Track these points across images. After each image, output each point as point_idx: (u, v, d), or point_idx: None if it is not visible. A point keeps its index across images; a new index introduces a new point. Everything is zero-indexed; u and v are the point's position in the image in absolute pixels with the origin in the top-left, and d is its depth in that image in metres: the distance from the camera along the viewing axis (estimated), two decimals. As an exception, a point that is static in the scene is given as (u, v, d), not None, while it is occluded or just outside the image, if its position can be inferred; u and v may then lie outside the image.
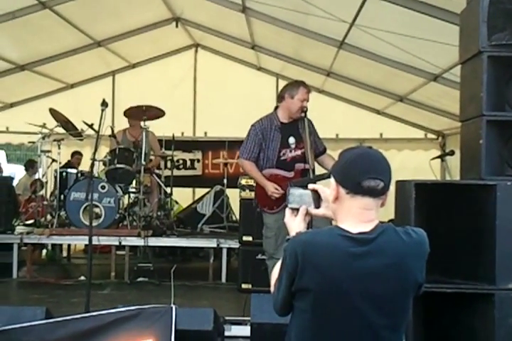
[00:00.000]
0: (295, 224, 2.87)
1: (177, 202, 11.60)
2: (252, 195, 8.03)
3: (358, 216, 2.63)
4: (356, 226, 2.62)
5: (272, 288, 2.80)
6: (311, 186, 2.93)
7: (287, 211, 2.92)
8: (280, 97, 6.65)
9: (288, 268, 2.62)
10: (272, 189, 6.39)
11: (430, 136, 12.38)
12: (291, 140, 6.48)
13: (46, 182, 9.61)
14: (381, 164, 2.66)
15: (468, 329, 4.05)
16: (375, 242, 2.58)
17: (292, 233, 2.85)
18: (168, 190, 10.28)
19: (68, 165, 10.89)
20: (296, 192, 2.89)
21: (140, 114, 9.07)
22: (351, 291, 2.56)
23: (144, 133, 9.01)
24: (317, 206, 2.90)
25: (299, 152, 6.46)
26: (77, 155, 11.80)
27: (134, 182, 9.28)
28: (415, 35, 7.07)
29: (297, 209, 2.88)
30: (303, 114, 6.47)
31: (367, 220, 2.63)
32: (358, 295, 2.56)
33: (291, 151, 6.43)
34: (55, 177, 9.35)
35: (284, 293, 2.68)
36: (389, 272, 2.58)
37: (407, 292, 2.65)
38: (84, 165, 10.71)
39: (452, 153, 8.29)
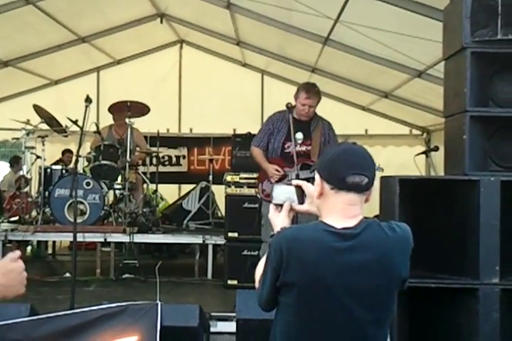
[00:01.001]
0: (279, 220, 2.88)
1: (162, 198, 11.58)
2: (238, 191, 8.08)
3: (343, 211, 2.65)
4: (341, 222, 2.63)
5: (257, 284, 2.80)
6: (294, 182, 2.94)
7: (271, 207, 2.93)
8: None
9: (273, 263, 2.63)
10: (273, 170, 6.58)
11: (415, 132, 12.42)
12: (299, 135, 6.60)
13: (31, 179, 9.56)
14: (365, 160, 2.68)
15: (453, 324, 4.07)
16: (360, 237, 2.60)
17: (276, 229, 2.86)
18: (154, 186, 10.27)
19: (59, 163, 10.83)
20: (279, 188, 2.91)
21: (124, 109, 9.06)
22: (335, 286, 2.57)
23: (128, 130, 8.99)
24: (301, 202, 2.91)
25: (304, 148, 6.61)
26: (67, 153, 11.64)
27: (119, 178, 9.26)
28: (400, 31, 7.09)
29: (281, 205, 2.90)
30: (305, 117, 6.65)
31: (351, 216, 2.64)
32: (342, 290, 2.57)
33: (296, 146, 6.48)
34: (40, 174, 9.31)
35: (268, 288, 2.69)
36: (373, 267, 2.59)
37: (392, 287, 2.67)
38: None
39: (436, 148, 8.33)
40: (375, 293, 2.61)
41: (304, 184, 2.92)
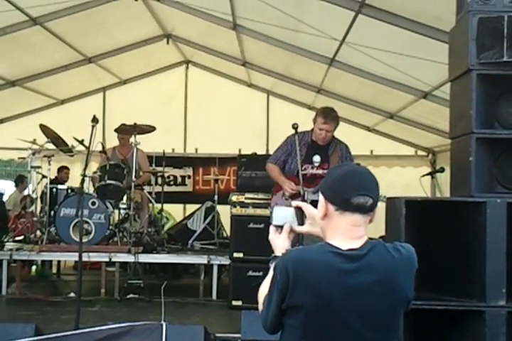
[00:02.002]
0: (279, 242, 2.88)
1: (168, 218, 11.59)
2: (243, 211, 8.08)
3: (348, 232, 2.63)
4: (346, 243, 2.62)
5: (261, 306, 2.79)
6: (294, 203, 2.94)
7: (271, 228, 2.92)
8: None
9: (279, 286, 2.61)
10: (289, 185, 6.62)
11: (420, 152, 12.42)
12: (316, 158, 6.71)
13: (36, 198, 9.57)
14: (369, 181, 2.67)
15: (459, 346, 4.05)
16: (366, 258, 2.59)
17: (277, 250, 2.86)
18: (159, 206, 10.27)
19: (56, 180, 10.85)
20: (279, 210, 2.90)
21: (130, 131, 9.08)
22: (343, 307, 2.56)
23: (134, 150, 9.02)
24: (300, 223, 2.91)
25: (320, 171, 6.65)
26: (64, 170, 11.71)
27: (124, 198, 9.27)
28: (405, 52, 7.12)
29: (281, 227, 2.89)
30: (322, 141, 6.74)
31: (356, 237, 2.63)
32: (350, 312, 2.56)
33: (312, 168, 6.63)
34: (45, 193, 9.32)
35: (274, 311, 2.67)
36: (379, 288, 2.58)
37: (398, 308, 2.65)
38: (74, 181, 10.67)
39: (442, 170, 8.33)
40: (382, 314, 2.60)
41: (304, 205, 2.93)
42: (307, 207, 2.91)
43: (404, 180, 11.34)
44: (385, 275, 2.59)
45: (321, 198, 2.72)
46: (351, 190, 2.61)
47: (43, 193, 9.39)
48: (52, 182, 9.87)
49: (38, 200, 9.79)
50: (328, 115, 6.72)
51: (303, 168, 6.61)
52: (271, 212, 2.92)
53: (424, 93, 8.51)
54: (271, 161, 6.97)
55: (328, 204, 2.67)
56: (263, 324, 2.76)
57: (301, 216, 2.90)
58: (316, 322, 2.58)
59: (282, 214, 2.89)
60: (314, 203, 2.82)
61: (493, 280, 3.93)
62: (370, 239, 2.67)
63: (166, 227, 11.11)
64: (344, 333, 2.57)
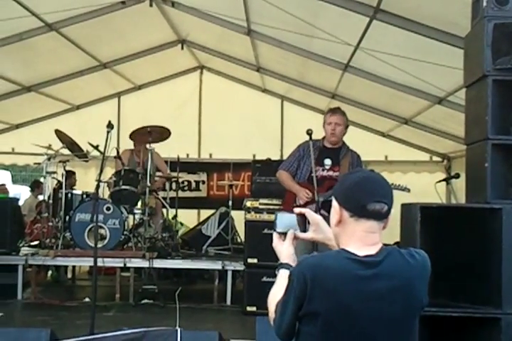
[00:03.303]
0: (283, 249, 2.87)
1: (182, 224, 11.59)
2: (257, 217, 8.07)
3: (363, 239, 2.63)
4: (362, 250, 2.61)
5: (272, 314, 2.77)
6: (297, 210, 2.93)
7: (275, 235, 2.92)
8: None
9: (296, 293, 2.59)
10: (303, 193, 6.63)
11: (435, 158, 12.38)
12: (327, 161, 6.74)
13: (52, 204, 9.59)
14: (384, 187, 2.67)
15: (475, 353, 4.03)
16: (382, 265, 2.58)
17: (281, 257, 2.86)
18: (173, 211, 10.28)
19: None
20: (282, 217, 2.90)
21: (145, 136, 9.09)
22: (360, 314, 2.55)
23: (149, 155, 9.03)
24: (303, 230, 2.90)
25: (331, 173, 6.68)
26: (72, 175, 11.39)
27: (139, 203, 9.29)
28: (420, 58, 7.11)
29: (285, 234, 2.89)
30: (333, 138, 6.73)
31: (371, 243, 2.63)
32: (368, 318, 2.55)
33: (323, 170, 6.66)
34: (60, 199, 9.35)
35: (290, 318, 2.64)
36: (396, 294, 2.57)
37: (414, 314, 2.65)
38: (88, 186, 10.66)
39: (458, 176, 8.30)
40: (399, 320, 2.59)
41: (307, 211, 2.93)
42: (310, 214, 2.92)
43: (419, 186, 11.20)
44: (402, 281, 2.59)
45: (335, 204, 2.71)
46: (367, 196, 2.61)
47: (59, 198, 9.40)
48: (60, 187, 9.85)
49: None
50: (336, 109, 6.87)
51: (312, 173, 6.58)
52: (275, 219, 2.91)
53: (439, 99, 8.49)
54: (283, 168, 6.97)
55: (343, 211, 2.66)
56: (276, 331, 2.74)
57: (304, 222, 2.91)
58: (333, 330, 2.57)
59: (285, 220, 2.88)
60: (324, 204, 2.82)
61: (509, 287, 3.92)
62: (385, 245, 2.67)
63: (180, 233, 11.11)
64: (362, 339, 2.57)
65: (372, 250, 2.61)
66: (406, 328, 2.63)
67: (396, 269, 2.60)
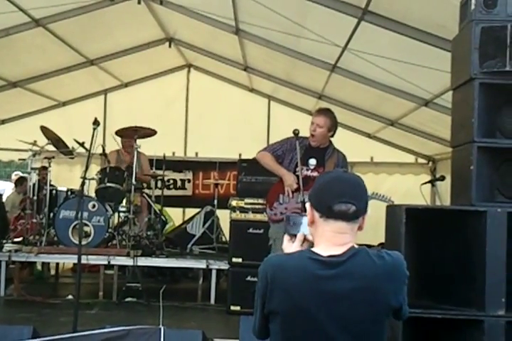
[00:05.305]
0: (292, 250, 2.87)
1: (167, 220, 11.56)
2: (243, 216, 8.06)
3: (331, 239, 2.63)
4: (328, 250, 2.61)
5: None
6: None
7: (285, 237, 2.92)
8: None
9: (260, 291, 2.65)
10: (291, 178, 6.43)
11: (421, 160, 12.42)
12: (312, 161, 6.55)
13: (36, 200, 9.54)
14: (354, 188, 2.67)
15: (457, 355, 4.04)
16: (344, 265, 2.57)
17: None
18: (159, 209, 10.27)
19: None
20: (293, 219, 2.90)
21: (132, 134, 9.08)
22: (318, 314, 2.55)
23: (135, 153, 9.01)
24: None
25: (315, 173, 6.48)
26: (42, 170, 10.38)
27: (124, 201, 9.26)
28: (407, 60, 7.13)
29: (295, 236, 2.89)
30: (313, 139, 6.54)
31: (340, 244, 2.62)
32: (326, 318, 2.55)
33: (307, 170, 6.49)
34: (44, 195, 9.31)
35: (258, 316, 2.70)
36: (357, 295, 2.56)
37: (379, 315, 2.62)
38: (74, 183, 10.62)
39: (443, 178, 8.35)
40: (360, 321, 2.57)
41: None
42: None
43: (404, 188, 11.33)
44: (364, 282, 2.57)
45: (307, 205, 2.74)
46: (333, 197, 2.62)
47: (43, 195, 9.35)
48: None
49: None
50: (322, 111, 6.65)
51: (297, 169, 6.47)
52: (286, 221, 2.91)
53: (425, 101, 8.51)
54: (268, 150, 6.67)
55: (314, 211, 2.69)
56: (252, 329, 2.80)
57: None
58: (292, 328, 2.59)
59: (296, 223, 2.88)
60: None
61: (492, 290, 3.94)
62: (368, 246, 2.67)
63: (166, 229, 11.09)
64: (320, 340, 2.57)
65: (339, 250, 2.61)
66: (368, 329, 2.60)
67: (359, 269, 2.59)
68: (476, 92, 4.22)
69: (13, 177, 14.34)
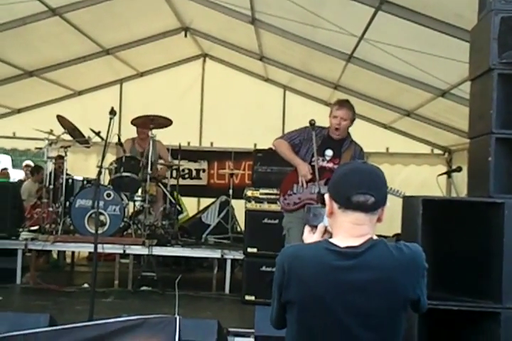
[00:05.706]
0: (312, 241, 2.87)
1: (180, 211, 11.57)
2: (258, 206, 8.06)
3: (349, 230, 2.63)
4: (346, 241, 2.61)
5: None
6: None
7: (306, 228, 2.91)
8: None
9: (277, 281, 2.66)
10: (305, 168, 6.42)
11: (437, 151, 12.36)
12: (329, 152, 6.54)
13: (52, 189, 9.57)
14: (372, 179, 2.66)
15: (473, 347, 4.04)
16: (362, 256, 2.57)
17: None
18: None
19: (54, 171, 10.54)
20: (314, 210, 2.90)
21: (147, 123, 9.09)
22: (334, 304, 2.55)
23: (151, 142, 9.02)
24: None
25: (331, 164, 6.49)
26: (59, 159, 10.15)
27: (139, 190, 9.28)
28: (424, 50, 7.09)
29: (316, 227, 2.89)
30: (337, 133, 6.52)
31: (358, 235, 2.62)
32: (342, 309, 2.55)
33: (323, 161, 6.48)
34: (61, 184, 9.34)
35: (276, 306, 2.72)
36: (374, 286, 2.56)
37: (396, 307, 2.61)
38: (87, 172, 10.65)
39: (460, 169, 8.30)
40: (376, 312, 2.57)
41: None
42: None
43: (420, 179, 11.31)
44: (381, 273, 2.57)
45: (326, 196, 2.73)
46: (351, 188, 2.61)
47: (60, 184, 9.38)
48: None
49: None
50: (344, 103, 6.60)
51: (313, 159, 6.43)
52: (307, 212, 2.91)
53: (442, 91, 8.45)
54: (285, 138, 6.67)
55: (332, 202, 2.68)
56: (270, 318, 2.82)
57: None
58: (308, 319, 2.60)
59: (317, 214, 2.88)
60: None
61: (509, 282, 3.92)
62: (384, 237, 2.66)
63: (180, 218, 11.11)
64: (336, 331, 2.57)
65: (357, 241, 2.61)
66: (386, 321, 2.60)
67: (377, 261, 2.58)
68: (494, 83, 4.19)
69: (24, 165, 14.41)
